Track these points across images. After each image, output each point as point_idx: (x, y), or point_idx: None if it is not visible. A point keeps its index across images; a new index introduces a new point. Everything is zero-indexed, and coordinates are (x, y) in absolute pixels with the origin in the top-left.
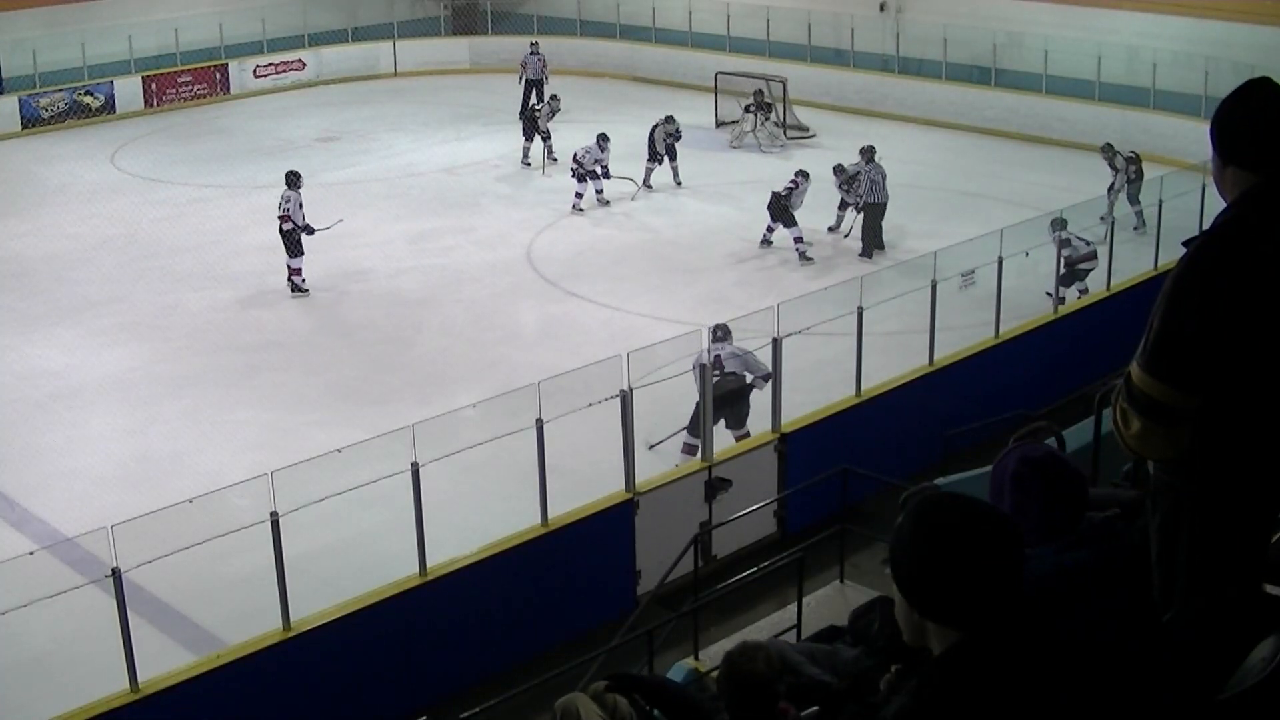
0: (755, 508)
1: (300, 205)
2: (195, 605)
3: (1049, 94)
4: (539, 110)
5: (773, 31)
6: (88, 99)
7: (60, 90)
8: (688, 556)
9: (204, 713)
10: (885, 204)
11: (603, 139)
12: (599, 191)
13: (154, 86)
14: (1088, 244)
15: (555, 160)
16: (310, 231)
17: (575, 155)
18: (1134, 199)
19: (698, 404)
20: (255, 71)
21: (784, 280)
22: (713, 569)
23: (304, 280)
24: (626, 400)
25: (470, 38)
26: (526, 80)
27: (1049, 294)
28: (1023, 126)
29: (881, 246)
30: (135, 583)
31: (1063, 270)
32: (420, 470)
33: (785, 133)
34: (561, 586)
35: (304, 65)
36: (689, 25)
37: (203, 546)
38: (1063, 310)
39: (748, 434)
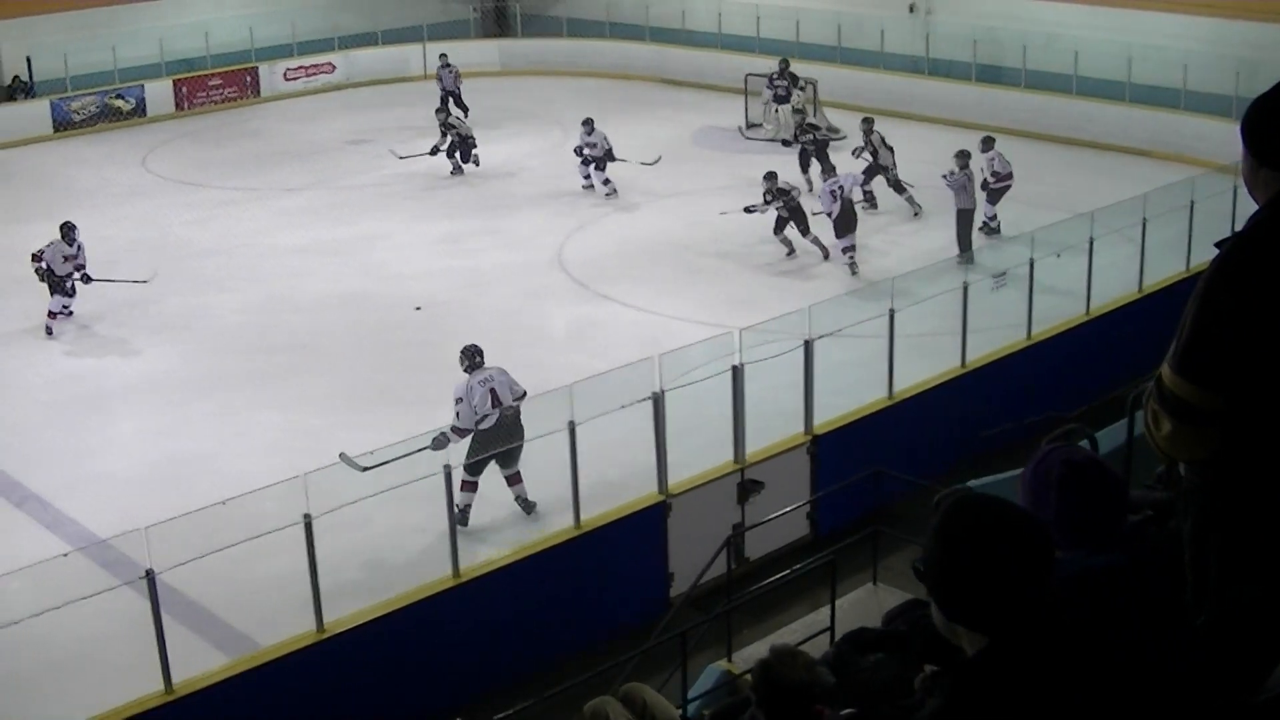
0: (788, 510)
1: (64, 255)
2: (228, 607)
3: (1079, 95)
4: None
5: (802, 33)
6: (119, 102)
7: (91, 93)
8: (720, 558)
9: (238, 713)
10: (973, 210)
11: (588, 123)
12: (606, 182)
13: (185, 89)
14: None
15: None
16: (88, 280)
17: (579, 149)
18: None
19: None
20: (285, 74)
21: (814, 282)
22: (745, 571)
23: (54, 323)
24: (659, 402)
25: (500, 40)
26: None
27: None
28: (1052, 128)
29: (969, 248)
30: (169, 584)
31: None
32: (452, 472)
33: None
34: (594, 588)
35: (334, 68)
36: (718, 27)
37: (236, 548)
38: (1094, 311)
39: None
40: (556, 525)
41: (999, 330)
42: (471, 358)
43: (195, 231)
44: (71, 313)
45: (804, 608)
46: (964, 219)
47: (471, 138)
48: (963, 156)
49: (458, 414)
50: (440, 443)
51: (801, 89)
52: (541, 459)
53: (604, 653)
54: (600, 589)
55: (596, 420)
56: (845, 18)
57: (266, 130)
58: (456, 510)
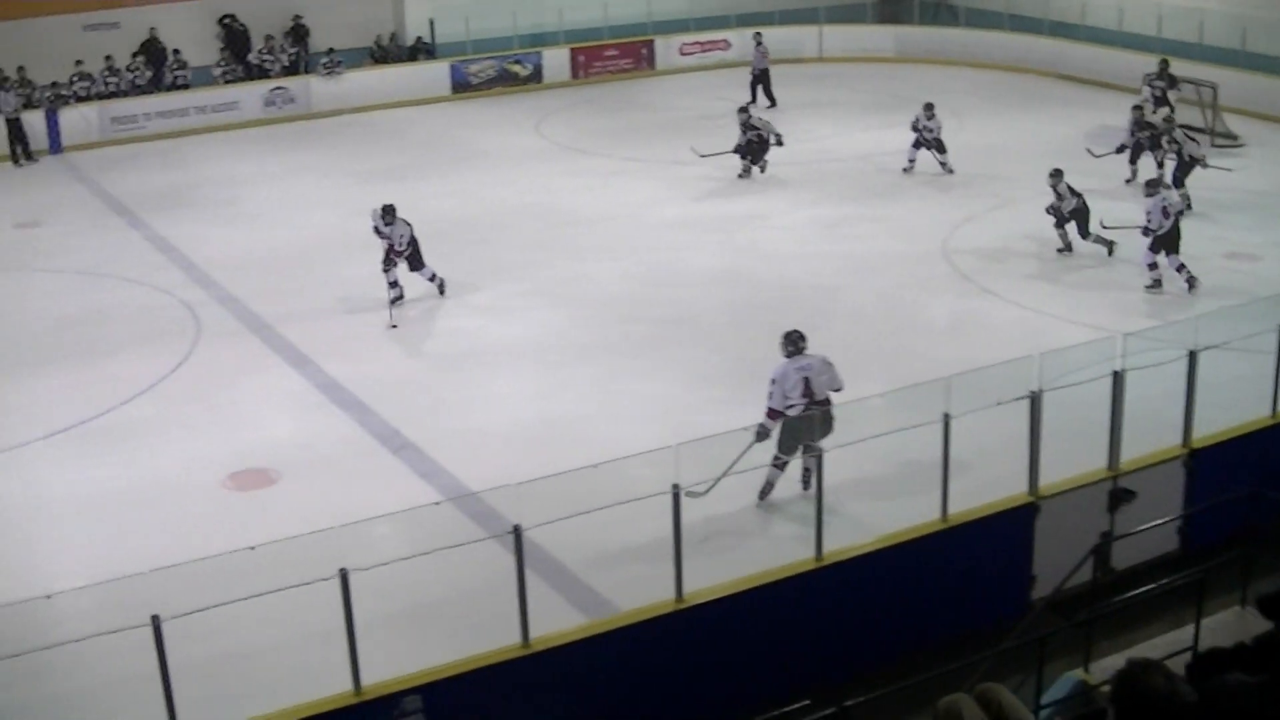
0: (1159, 522)
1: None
2: (590, 569)
3: None
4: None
5: (1206, 35)
6: (516, 68)
7: (490, 58)
8: (1085, 566)
9: (590, 674)
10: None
11: (929, 107)
12: (943, 164)
13: (581, 58)
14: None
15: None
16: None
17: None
18: None
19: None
20: (681, 49)
21: (1198, 290)
22: (1109, 580)
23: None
24: (1036, 402)
25: (897, 26)
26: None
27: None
28: None
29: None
30: (534, 541)
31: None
32: (823, 456)
33: (1212, 140)
34: (954, 584)
35: (729, 45)
36: (1119, 24)
37: (602, 512)
38: None
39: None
40: (923, 517)
41: None
42: (796, 343)
43: (583, 198)
44: (398, 297)
45: (1166, 624)
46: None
47: (769, 139)
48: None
49: (770, 394)
50: (762, 434)
51: (1179, 90)
52: (912, 449)
53: (958, 650)
54: (961, 585)
55: (971, 415)
56: (1251, 21)
57: (659, 103)
58: (768, 485)
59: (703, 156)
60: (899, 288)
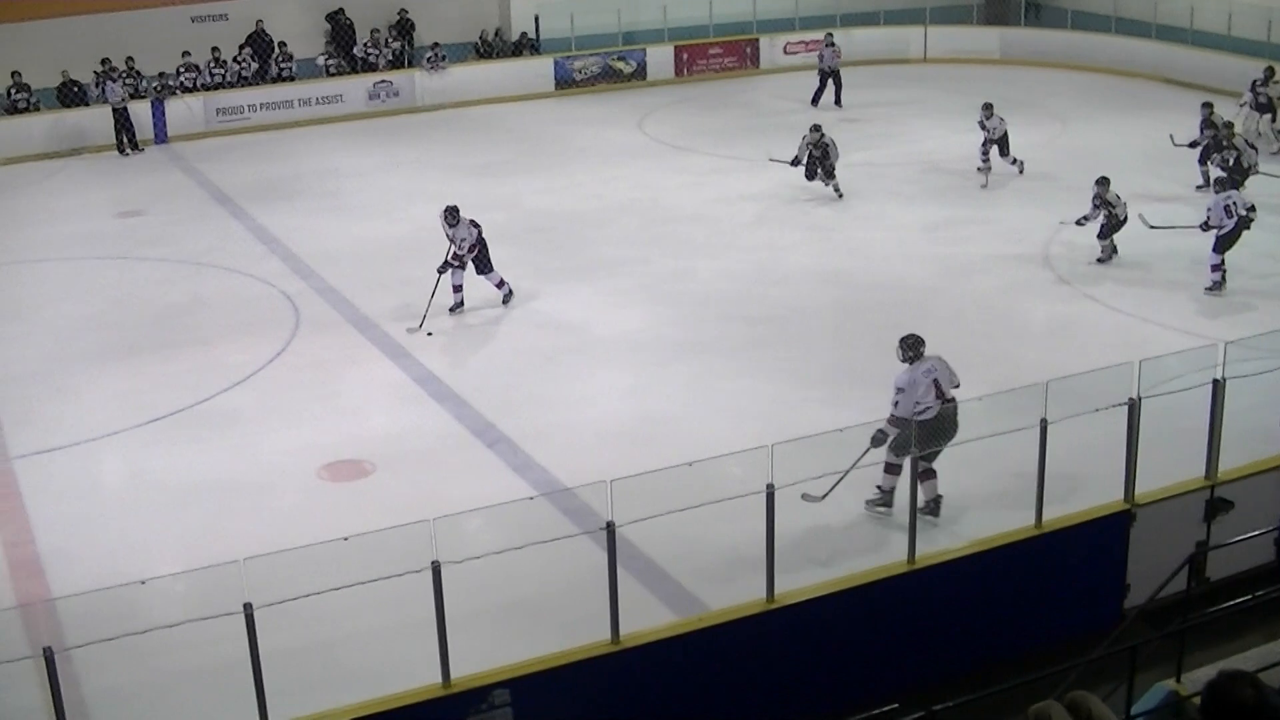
0: (1256, 533)
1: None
2: (682, 566)
3: None
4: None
5: None
6: (620, 64)
7: (594, 55)
8: (1180, 575)
9: (679, 671)
10: None
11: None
12: (1014, 162)
13: (685, 56)
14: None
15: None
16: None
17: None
18: None
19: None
20: (785, 48)
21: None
22: (1204, 591)
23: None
24: (1134, 409)
25: (1002, 28)
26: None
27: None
28: None
29: None
30: (626, 537)
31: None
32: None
33: None
34: (1046, 590)
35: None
36: (1227, 29)
37: (696, 510)
38: None
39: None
40: (1017, 523)
41: None
42: (915, 348)
43: (685, 196)
44: (459, 303)
45: (1260, 636)
46: None
47: (829, 157)
48: None
49: (896, 404)
50: (879, 439)
51: None
52: (1009, 454)
53: (1049, 657)
54: (1053, 592)
55: (1067, 421)
56: None
57: (762, 102)
58: (879, 492)
59: (772, 160)
60: (999, 291)
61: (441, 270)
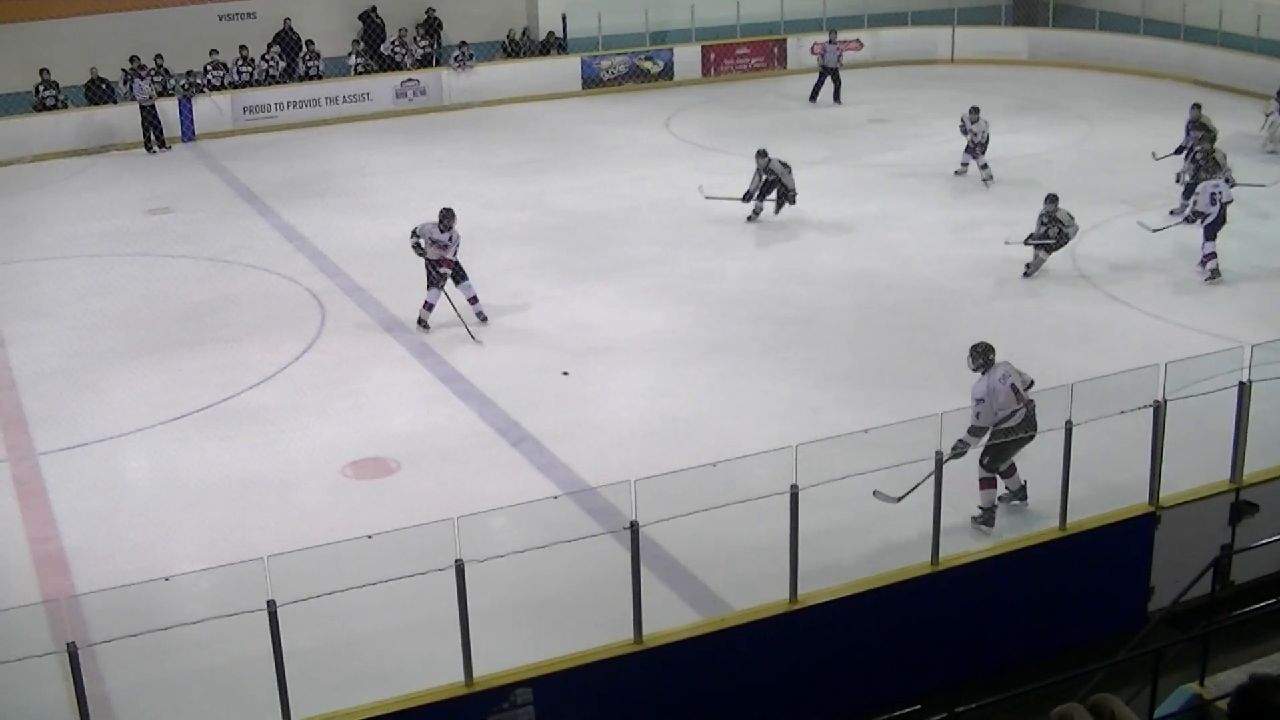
0: None
1: (431, 239)
2: (706, 567)
3: None
4: None
5: None
6: (647, 64)
7: (621, 54)
8: (1204, 579)
9: (702, 671)
10: None
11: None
12: (983, 167)
13: (712, 56)
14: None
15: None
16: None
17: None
18: None
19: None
20: (812, 48)
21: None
22: (1229, 594)
23: (428, 314)
24: (1159, 412)
25: (1030, 29)
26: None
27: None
28: None
29: None
30: (650, 537)
31: None
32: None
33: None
34: (1070, 593)
35: (861, 45)
36: (1256, 30)
37: (720, 511)
38: None
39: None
40: (1041, 525)
41: None
42: (985, 356)
43: None
44: (430, 308)
45: None
46: None
47: (788, 189)
48: None
49: (977, 414)
50: (960, 450)
51: None
52: (1033, 455)
53: (1072, 659)
54: (1076, 594)
55: (1093, 423)
56: None
57: (789, 103)
58: (981, 511)
59: (707, 198)
60: (1025, 293)
61: (441, 285)
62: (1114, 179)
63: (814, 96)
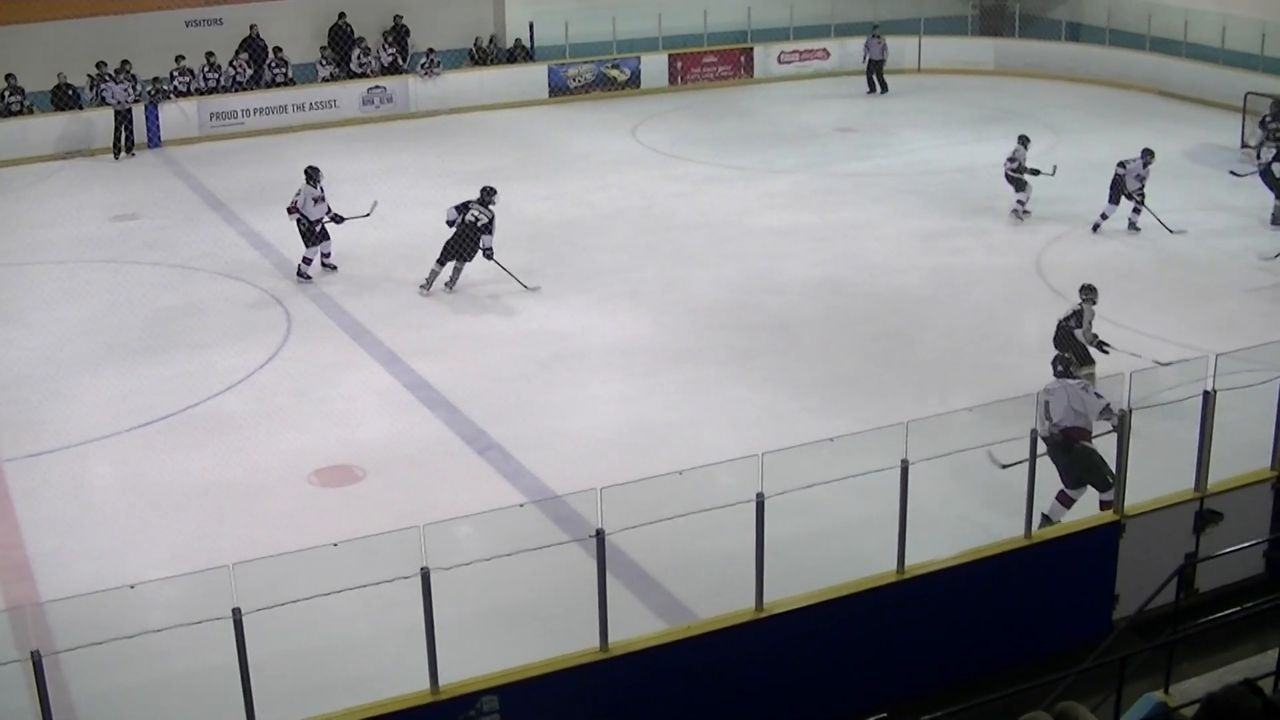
0: (1245, 545)
1: (313, 199)
2: (672, 575)
3: None
4: None
5: None
6: (614, 72)
7: (588, 62)
8: (1169, 587)
9: (668, 680)
10: None
11: (1024, 140)
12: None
13: (680, 65)
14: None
15: None
16: (339, 220)
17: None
18: None
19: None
20: (779, 57)
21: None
22: (1193, 603)
23: (309, 268)
24: (1124, 421)
25: (996, 39)
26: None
27: None
28: None
29: None
30: (616, 545)
31: None
32: (909, 468)
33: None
34: (1036, 602)
35: (828, 54)
36: (1221, 42)
37: (686, 519)
38: None
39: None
40: (1007, 534)
41: None
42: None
43: (680, 204)
44: (329, 255)
45: (1250, 648)
46: None
47: (476, 234)
48: None
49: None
50: (1113, 422)
51: None
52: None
53: (1038, 668)
54: (1042, 603)
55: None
56: None
57: (757, 111)
58: (1045, 519)
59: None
60: (993, 302)
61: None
62: (1081, 189)
63: (872, 89)
